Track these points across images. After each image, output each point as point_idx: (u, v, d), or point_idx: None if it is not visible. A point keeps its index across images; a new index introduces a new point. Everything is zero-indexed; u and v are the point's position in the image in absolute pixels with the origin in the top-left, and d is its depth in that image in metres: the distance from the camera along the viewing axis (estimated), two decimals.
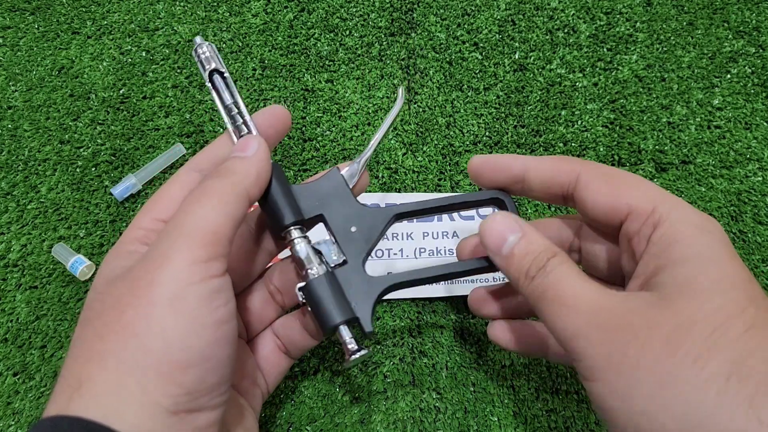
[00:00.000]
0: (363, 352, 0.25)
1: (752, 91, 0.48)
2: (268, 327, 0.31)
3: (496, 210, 0.30)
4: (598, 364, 0.21)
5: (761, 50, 0.49)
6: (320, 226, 0.28)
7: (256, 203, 0.27)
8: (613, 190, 0.25)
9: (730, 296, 0.20)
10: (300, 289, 0.26)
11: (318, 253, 0.27)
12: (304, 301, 0.26)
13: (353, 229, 0.28)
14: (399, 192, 0.43)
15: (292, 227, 0.27)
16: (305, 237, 0.27)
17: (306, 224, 0.28)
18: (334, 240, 0.28)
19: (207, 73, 0.27)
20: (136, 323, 0.20)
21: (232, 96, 0.28)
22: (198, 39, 0.28)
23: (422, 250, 0.40)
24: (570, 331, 0.22)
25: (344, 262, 0.27)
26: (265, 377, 0.30)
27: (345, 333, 0.25)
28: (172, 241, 0.21)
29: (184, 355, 0.20)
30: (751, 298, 0.20)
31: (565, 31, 0.50)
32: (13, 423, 0.36)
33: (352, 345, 0.25)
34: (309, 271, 0.26)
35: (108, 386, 0.19)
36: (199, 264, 0.21)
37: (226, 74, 0.28)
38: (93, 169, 0.44)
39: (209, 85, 0.28)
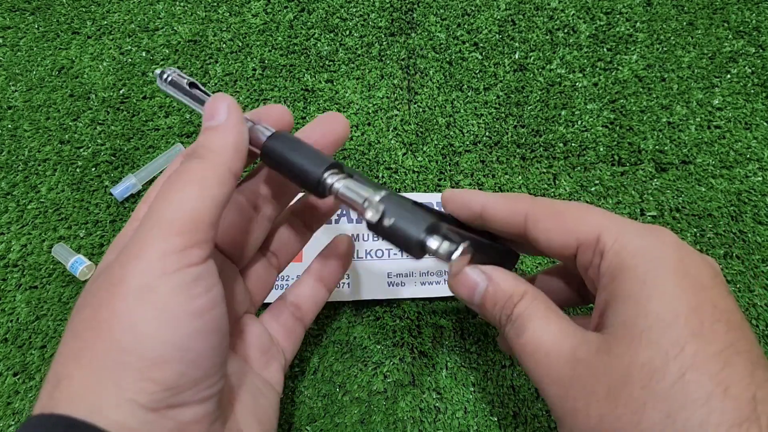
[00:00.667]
0: (464, 244, 0.22)
1: (752, 91, 0.48)
2: (280, 297, 0.31)
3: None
4: (560, 416, 0.22)
5: (761, 50, 0.49)
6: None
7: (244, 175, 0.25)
8: (560, 226, 0.25)
9: (668, 335, 0.19)
10: (375, 216, 0.22)
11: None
12: (382, 222, 0.22)
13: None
14: (399, 192, 0.43)
15: (328, 172, 0.23)
16: (348, 175, 0.24)
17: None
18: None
19: (186, 83, 0.26)
20: (109, 319, 0.19)
21: (193, 84, 0.26)
22: (158, 71, 0.27)
23: None
24: (537, 383, 0.23)
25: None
26: (281, 347, 0.29)
27: (433, 241, 0.21)
28: (147, 231, 0.20)
29: (158, 350, 0.19)
30: (694, 331, 0.19)
31: (565, 31, 0.50)
32: (13, 423, 0.36)
33: (448, 247, 0.21)
34: (372, 197, 0.22)
35: (84, 383, 0.19)
36: (175, 254, 0.20)
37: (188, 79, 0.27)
38: (93, 169, 0.44)
39: (167, 88, 0.27)
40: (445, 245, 0.21)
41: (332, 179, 0.23)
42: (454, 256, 0.22)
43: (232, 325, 0.27)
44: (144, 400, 0.19)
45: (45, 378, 0.20)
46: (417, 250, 0.21)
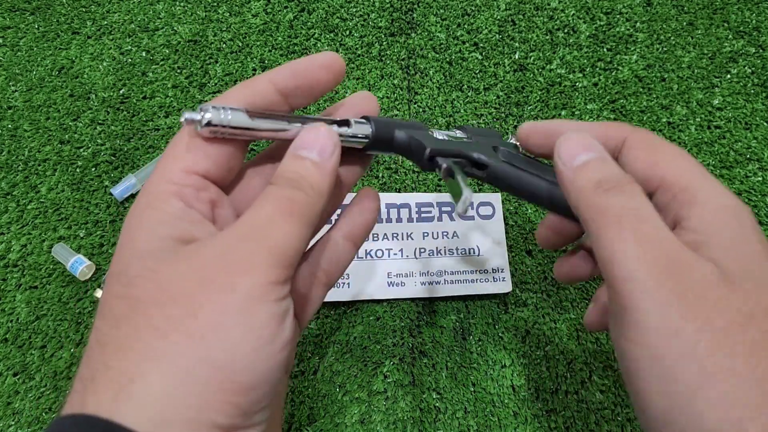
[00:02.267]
0: None
1: (752, 91, 0.48)
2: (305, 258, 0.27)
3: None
4: (649, 325, 0.19)
5: (761, 50, 0.49)
6: None
7: None
8: (651, 159, 0.23)
9: None
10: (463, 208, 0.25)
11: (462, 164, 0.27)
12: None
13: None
14: (399, 192, 0.43)
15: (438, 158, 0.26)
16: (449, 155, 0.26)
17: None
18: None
19: (243, 113, 0.21)
20: (207, 330, 0.18)
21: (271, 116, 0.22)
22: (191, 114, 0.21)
23: (422, 250, 0.40)
24: (627, 269, 0.19)
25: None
26: (298, 317, 0.26)
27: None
28: (255, 250, 0.19)
29: (250, 377, 0.18)
30: None
31: (565, 31, 0.50)
32: (13, 423, 0.36)
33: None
34: (468, 197, 0.25)
35: (163, 392, 0.17)
36: (278, 284, 0.19)
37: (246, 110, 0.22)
38: (93, 169, 0.44)
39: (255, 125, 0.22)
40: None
41: (441, 161, 0.26)
42: None
43: None
44: (223, 422, 0.18)
45: (98, 364, 0.18)
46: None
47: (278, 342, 0.19)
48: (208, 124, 0.21)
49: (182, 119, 0.21)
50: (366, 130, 0.24)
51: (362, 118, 0.25)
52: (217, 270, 0.19)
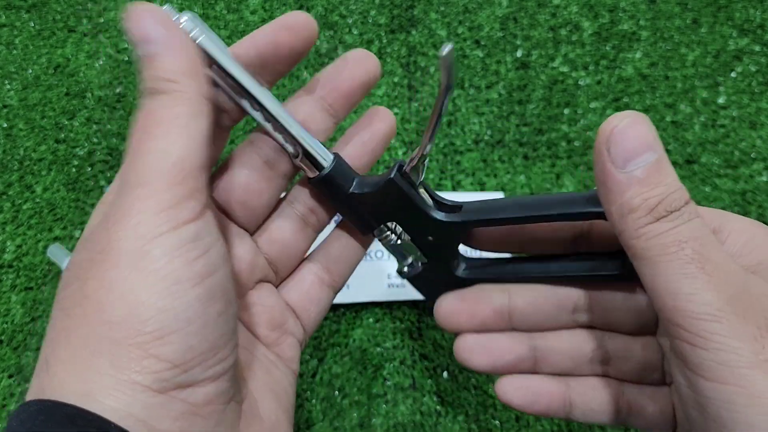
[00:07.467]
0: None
1: (757, 89, 0.47)
2: (306, 259, 0.26)
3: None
4: (741, 363, 0.17)
5: (766, 48, 0.49)
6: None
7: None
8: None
9: None
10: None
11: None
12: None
13: (430, 238, 0.25)
14: None
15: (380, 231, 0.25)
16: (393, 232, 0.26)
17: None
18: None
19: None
20: (98, 291, 0.17)
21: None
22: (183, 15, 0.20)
23: None
24: (707, 307, 0.17)
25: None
26: (301, 319, 0.25)
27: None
28: (131, 189, 0.17)
29: (159, 322, 0.17)
30: None
31: (568, 28, 0.50)
32: None
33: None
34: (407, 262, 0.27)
35: (75, 366, 0.16)
36: (167, 210, 0.17)
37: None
38: (89, 168, 0.44)
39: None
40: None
41: (381, 234, 0.26)
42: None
43: (240, 296, 0.24)
44: (149, 381, 0.16)
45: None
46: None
47: (189, 273, 0.17)
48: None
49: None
50: (326, 162, 0.23)
51: (334, 153, 0.23)
52: (101, 230, 0.18)
